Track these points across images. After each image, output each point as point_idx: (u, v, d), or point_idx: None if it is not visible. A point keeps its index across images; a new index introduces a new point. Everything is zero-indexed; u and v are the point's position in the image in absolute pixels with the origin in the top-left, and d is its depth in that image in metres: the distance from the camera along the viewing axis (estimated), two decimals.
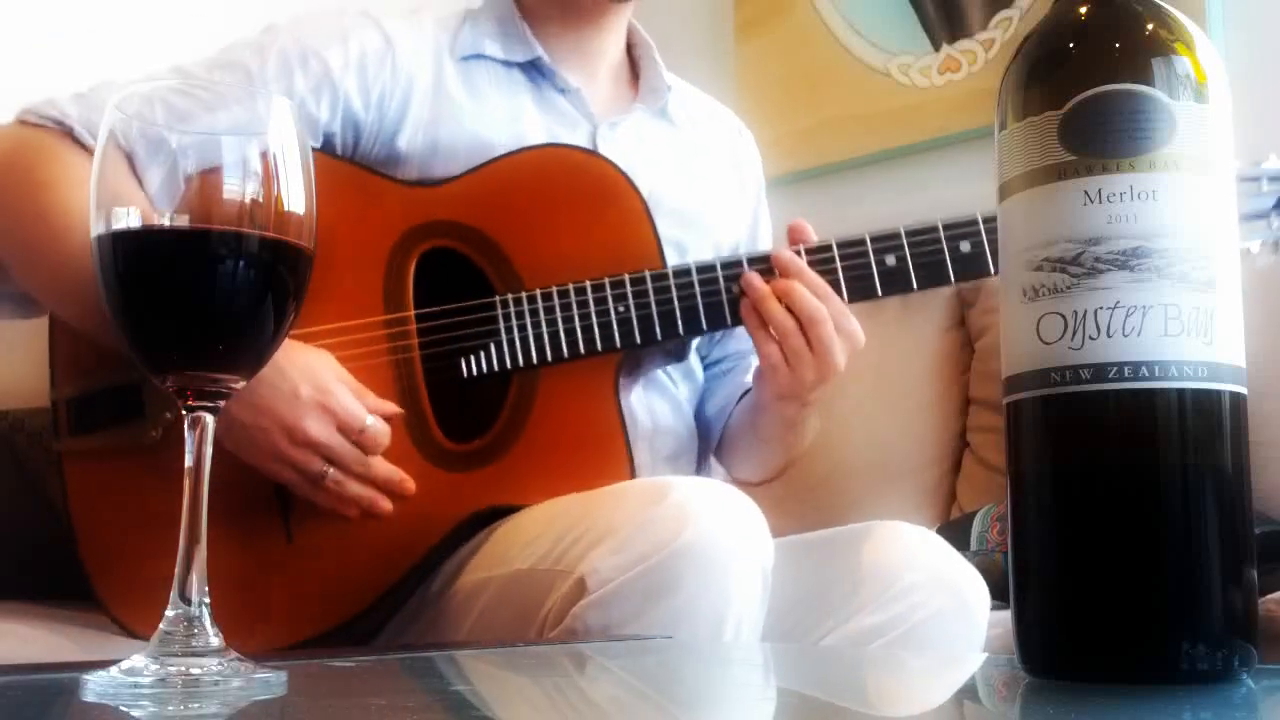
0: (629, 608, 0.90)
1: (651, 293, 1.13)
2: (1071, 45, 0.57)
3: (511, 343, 1.12)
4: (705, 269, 1.13)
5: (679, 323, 1.13)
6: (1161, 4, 0.57)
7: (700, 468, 1.31)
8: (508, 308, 1.13)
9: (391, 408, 1.09)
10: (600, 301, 1.13)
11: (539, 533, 1.02)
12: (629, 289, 1.13)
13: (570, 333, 1.12)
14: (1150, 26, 0.56)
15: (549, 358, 1.12)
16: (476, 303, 1.14)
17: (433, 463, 1.11)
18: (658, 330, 1.13)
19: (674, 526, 0.91)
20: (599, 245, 1.15)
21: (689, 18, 2.54)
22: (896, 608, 1.04)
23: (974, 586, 1.08)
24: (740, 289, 1.12)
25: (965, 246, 1.11)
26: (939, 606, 1.04)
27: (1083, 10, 0.57)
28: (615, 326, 1.12)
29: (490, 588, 1.04)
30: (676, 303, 1.13)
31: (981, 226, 1.11)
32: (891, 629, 1.04)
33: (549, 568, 0.98)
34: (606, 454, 1.10)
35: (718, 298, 1.13)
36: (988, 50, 2.27)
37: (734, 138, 1.41)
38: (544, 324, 1.12)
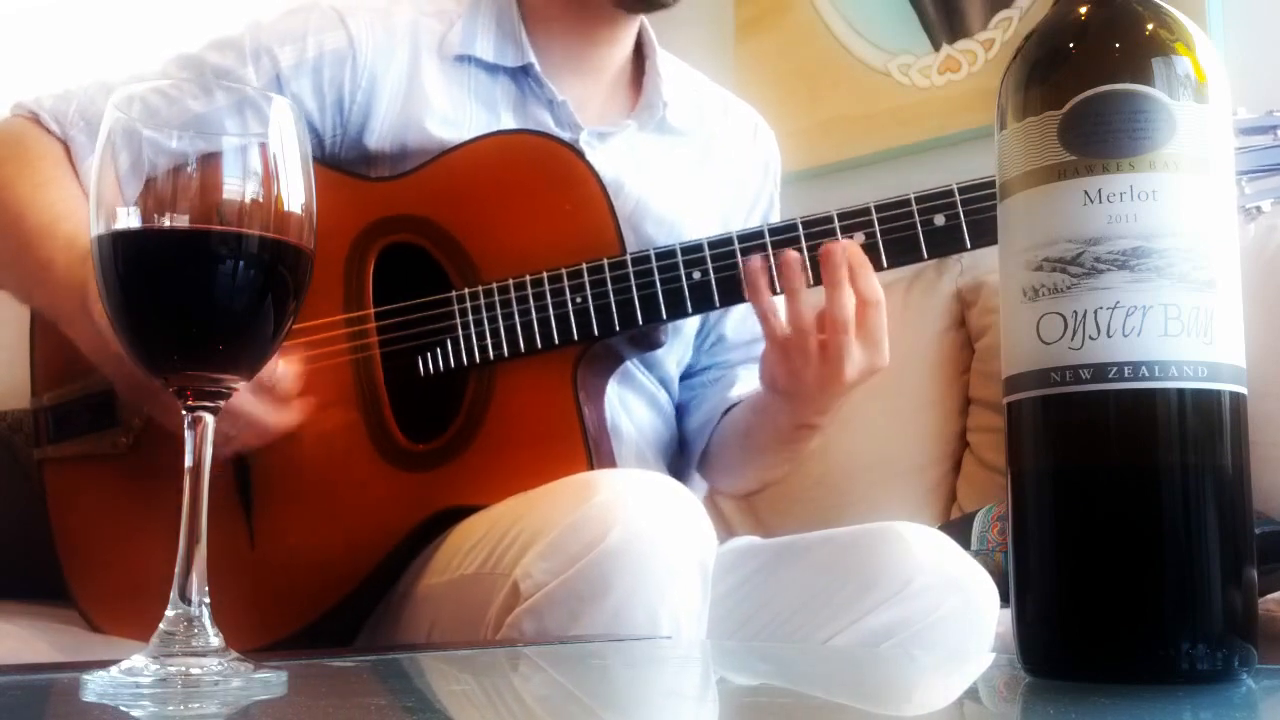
0: (563, 612, 0.88)
1: (609, 282, 1.09)
2: (1071, 45, 0.57)
3: (468, 339, 1.10)
4: (665, 255, 1.09)
5: (638, 312, 1.09)
6: (1161, 4, 0.57)
7: (678, 468, 1.30)
8: (464, 303, 1.11)
9: (298, 364, 1.07)
10: (557, 293, 1.09)
11: (481, 536, 1.00)
12: (586, 279, 1.09)
13: (526, 327, 1.09)
14: (1150, 26, 0.56)
15: (505, 353, 1.10)
16: (432, 299, 1.12)
17: (392, 463, 1.10)
18: (616, 321, 1.09)
19: (601, 526, 0.89)
20: (557, 232, 1.11)
21: (689, 18, 2.53)
22: (908, 609, 1.04)
23: (984, 589, 1.07)
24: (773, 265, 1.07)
25: (939, 220, 1.07)
26: (950, 609, 1.04)
27: (1083, 10, 0.57)
28: (572, 319, 1.09)
29: (441, 593, 1.03)
30: (635, 292, 1.09)
31: (958, 198, 1.06)
32: (902, 630, 1.03)
33: (489, 571, 0.96)
34: (563, 450, 1.07)
35: (678, 284, 1.09)
36: (988, 50, 2.27)
37: (748, 138, 1.37)
38: (500, 319, 1.10)
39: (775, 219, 1.37)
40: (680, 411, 1.34)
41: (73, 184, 1.12)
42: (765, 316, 1.08)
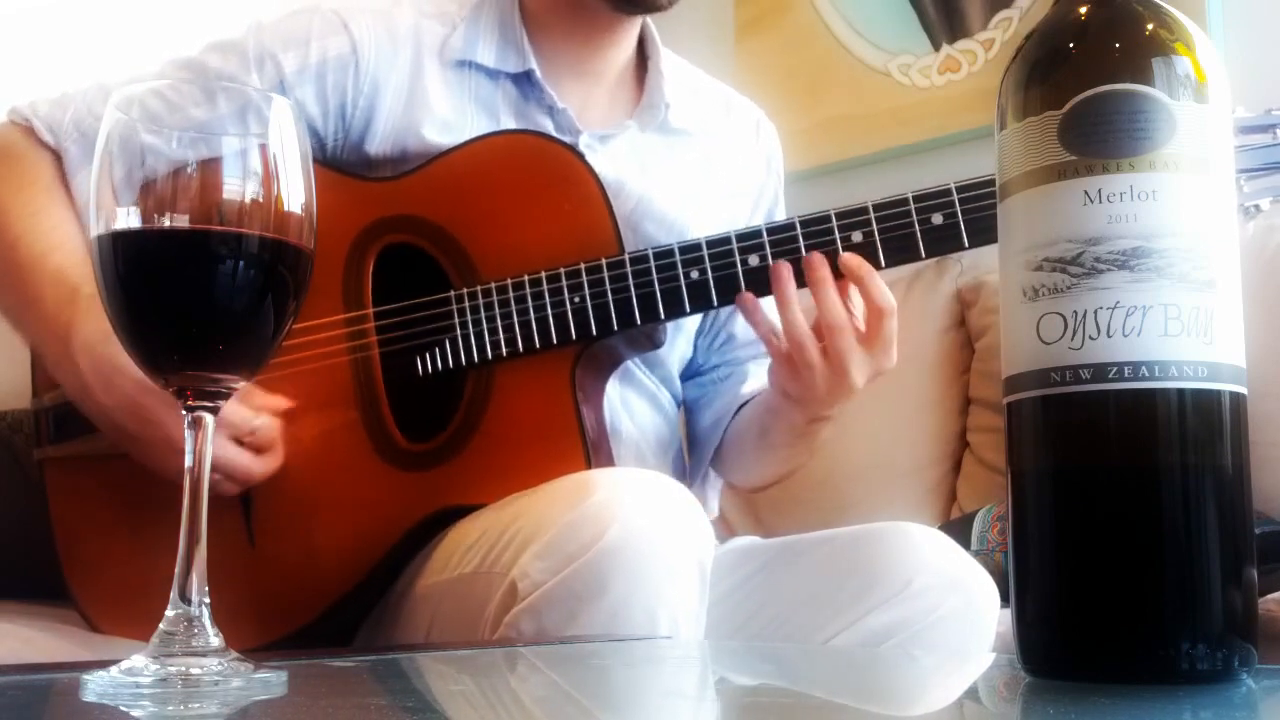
0: (560, 611, 0.88)
1: (607, 281, 1.09)
2: (1071, 45, 0.57)
3: (466, 338, 1.10)
4: (663, 255, 1.09)
5: (635, 312, 1.09)
6: (1161, 4, 0.57)
7: (681, 466, 1.30)
8: (462, 303, 1.11)
9: (281, 402, 1.08)
10: (555, 293, 1.09)
11: (479, 535, 1.01)
12: (585, 278, 1.09)
13: (525, 325, 1.09)
14: (1150, 26, 0.56)
15: (503, 353, 1.10)
16: (431, 299, 1.12)
17: (391, 463, 1.10)
18: (614, 321, 1.09)
19: (598, 525, 0.89)
20: (555, 232, 1.11)
21: (689, 18, 2.54)
22: (909, 609, 1.04)
23: (984, 589, 1.07)
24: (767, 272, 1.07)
25: (937, 219, 1.07)
26: (951, 609, 1.04)
27: (1083, 10, 0.57)
28: (570, 319, 1.09)
29: (439, 592, 1.03)
30: (633, 292, 1.09)
31: (955, 197, 1.06)
32: (903, 630, 1.03)
33: (487, 570, 0.96)
34: (561, 450, 1.07)
35: (675, 284, 1.09)
36: (988, 50, 2.27)
37: (750, 136, 1.36)
38: (498, 318, 1.10)
39: (780, 214, 1.37)
40: (690, 410, 1.34)
41: (66, 208, 1.12)
42: (767, 339, 1.10)
